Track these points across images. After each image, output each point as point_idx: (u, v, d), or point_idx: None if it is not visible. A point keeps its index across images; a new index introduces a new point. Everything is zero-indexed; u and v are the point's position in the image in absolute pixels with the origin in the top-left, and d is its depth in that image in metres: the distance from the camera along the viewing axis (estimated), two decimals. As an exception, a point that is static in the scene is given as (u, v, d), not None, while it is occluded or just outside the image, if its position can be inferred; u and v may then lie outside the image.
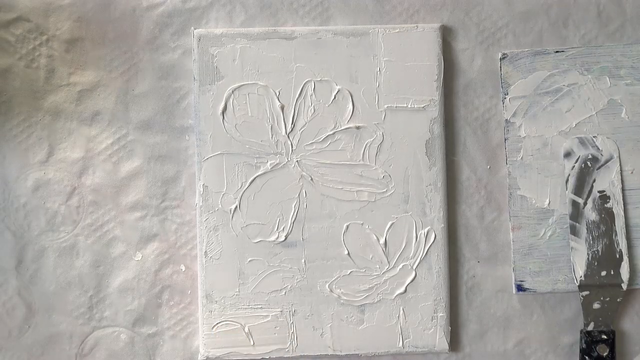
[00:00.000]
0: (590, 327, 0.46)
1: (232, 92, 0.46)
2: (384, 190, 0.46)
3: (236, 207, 0.46)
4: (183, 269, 0.47)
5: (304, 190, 0.46)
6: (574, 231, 0.47)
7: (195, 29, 0.47)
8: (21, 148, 0.47)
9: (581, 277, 0.47)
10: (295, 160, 0.46)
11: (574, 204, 0.47)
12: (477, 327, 0.47)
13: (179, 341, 0.47)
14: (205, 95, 0.46)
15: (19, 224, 0.46)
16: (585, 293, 0.46)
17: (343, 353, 0.46)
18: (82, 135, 0.47)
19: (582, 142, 0.47)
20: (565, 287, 0.47)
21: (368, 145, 0.46)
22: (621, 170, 0.47)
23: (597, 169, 0.47)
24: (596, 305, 0.46)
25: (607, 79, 0.47)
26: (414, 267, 0.46)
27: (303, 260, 0.46)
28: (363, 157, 0.46)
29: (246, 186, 0.46)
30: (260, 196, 0.46)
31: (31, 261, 0.46)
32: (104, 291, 0.47)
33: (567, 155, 0.47)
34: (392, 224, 0.46)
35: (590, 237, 0.47)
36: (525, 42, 0.48)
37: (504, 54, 0.48)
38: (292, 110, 0.46)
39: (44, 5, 0.47)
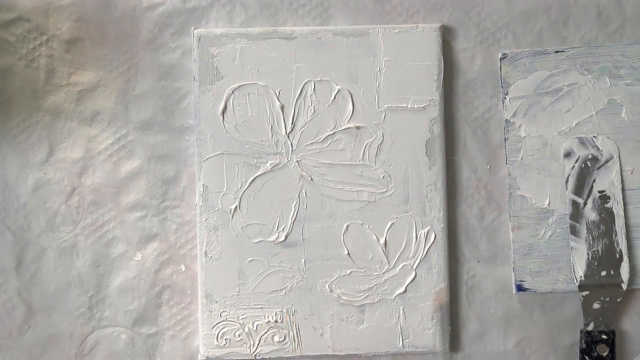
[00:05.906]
0: (590, 327, 0.46)
1: (232, 92, 0.46)
2: (384, 190, 0.46)
3: (236, 207, 0.46)
4: (183, 269, 0.47)
5: (304, 190, 0.46)
6: (574, 231, 0.47)
7: (195, 29, 0.47)
8: (21, 148, 0.47)
9: (581, 277, 0.47)
10: (295, 160, 0.46)
11: (574, 204, 0.47)
12: (477, 327, 0.47)
13: (179, 341, 0.47)
14: (205, 95, 0.46)
15: (19, 224, 0.46)
16: (585, 293, 0.46)
17: (343, 353, 0.46)
18: (82, 135, 0.47)
19: (582, 142, 0.47)
20: (565, 287, 0.47)
21: (368, 145, 0.46)
22: (621, 170, 0.47)
23: (597, 169, 0.47)
24: (596, 305, 0.46)
25: (607, 79, 0.47)
26: (414, 267, 0.46)
27: (303, 260, 0.46)
28: (363, 157, 0.46)
29: (246, 186, 0.46)
30: (260, 196, 0.46)
31: (31, 261, 0.46)
32: (104, 291, 0.47)
33: (567, 155, 0.47)
34: (392, 224, 0.46)
35: (590, 237, 0.47)
36: (525, 42, 0.48)
37: (504, 54, 0.48)
38: (292, 110, 0.46)
39: (44, 5, 0.47)
